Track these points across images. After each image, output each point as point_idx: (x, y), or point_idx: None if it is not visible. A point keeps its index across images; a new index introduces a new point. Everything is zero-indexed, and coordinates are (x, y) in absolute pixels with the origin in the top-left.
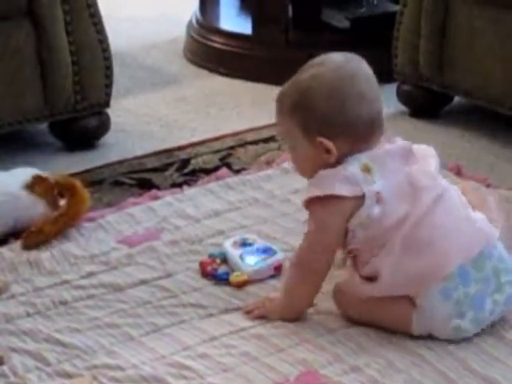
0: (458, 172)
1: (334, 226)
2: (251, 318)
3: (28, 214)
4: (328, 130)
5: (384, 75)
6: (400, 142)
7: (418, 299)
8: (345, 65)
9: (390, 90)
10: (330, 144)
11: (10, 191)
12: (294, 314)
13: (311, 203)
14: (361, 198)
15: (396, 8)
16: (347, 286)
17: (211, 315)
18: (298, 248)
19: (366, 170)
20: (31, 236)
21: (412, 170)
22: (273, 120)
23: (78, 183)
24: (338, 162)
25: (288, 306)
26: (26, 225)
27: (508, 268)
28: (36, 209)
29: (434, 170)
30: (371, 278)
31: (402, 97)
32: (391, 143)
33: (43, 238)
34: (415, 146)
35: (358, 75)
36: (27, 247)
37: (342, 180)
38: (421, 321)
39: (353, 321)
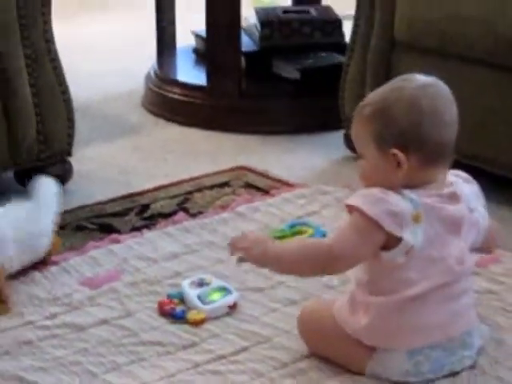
0: None
1: (367, 243)
2: (234, 251)
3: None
4: (402, 144)
5: (332, 123)
6: (459, 208)
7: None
8: (429, 85)
9: (338, 136)
10: (402, 157)
11: None
12: (273, 267)
13: (355, 210)
14: (395, 239)
15: (342, 59)
16: (323, 307)
17: (169, 352)
18: (330, 237)
19: (416, 219)
20: None
21: (453, 249)
22: (227, 165)
23: None
24: (396, 187)
25: (276, 261)
26: None
27: (472, 344)
28: None
29: (467, 248)
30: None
31: (349, 143)
32: (452, 195)
33: None
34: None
35: (440, 97)
36: None
37: (391, 214)
38: (376, 368)
39: (310, 348)
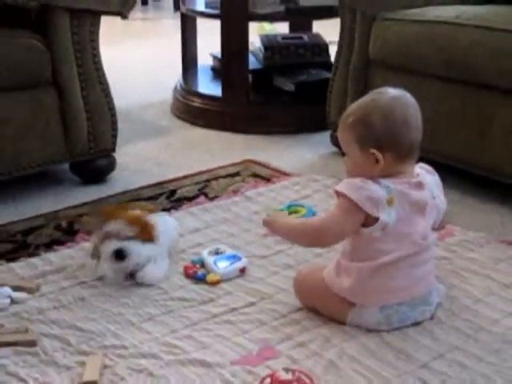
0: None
1: (351, 221)
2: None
3: None
4: (379, 145)
5: (321, 125)
6: (424, 194)
7: (358, 304)
8: (400, 97)
9: (325, 135)
10: (380, 155)
11: None
12: (286, 237)
13: (341, 196)
14: (374, 219)
15: (329, 75)
16: (315, 271)
17: (192, 306)
18: (322, 217)
19: (390, 202)
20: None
21: (419, 226)
22: (238, 159)
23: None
24: (375, 177)
25: (288, 232)
26: None
27: (432, 301)
28: None
29: (430, 226)
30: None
31: (334, 141)
32: (418, 183)
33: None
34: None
35: (409, 107)
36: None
37: (369, 199)
38: (355, 319)
39: (302, 304)
